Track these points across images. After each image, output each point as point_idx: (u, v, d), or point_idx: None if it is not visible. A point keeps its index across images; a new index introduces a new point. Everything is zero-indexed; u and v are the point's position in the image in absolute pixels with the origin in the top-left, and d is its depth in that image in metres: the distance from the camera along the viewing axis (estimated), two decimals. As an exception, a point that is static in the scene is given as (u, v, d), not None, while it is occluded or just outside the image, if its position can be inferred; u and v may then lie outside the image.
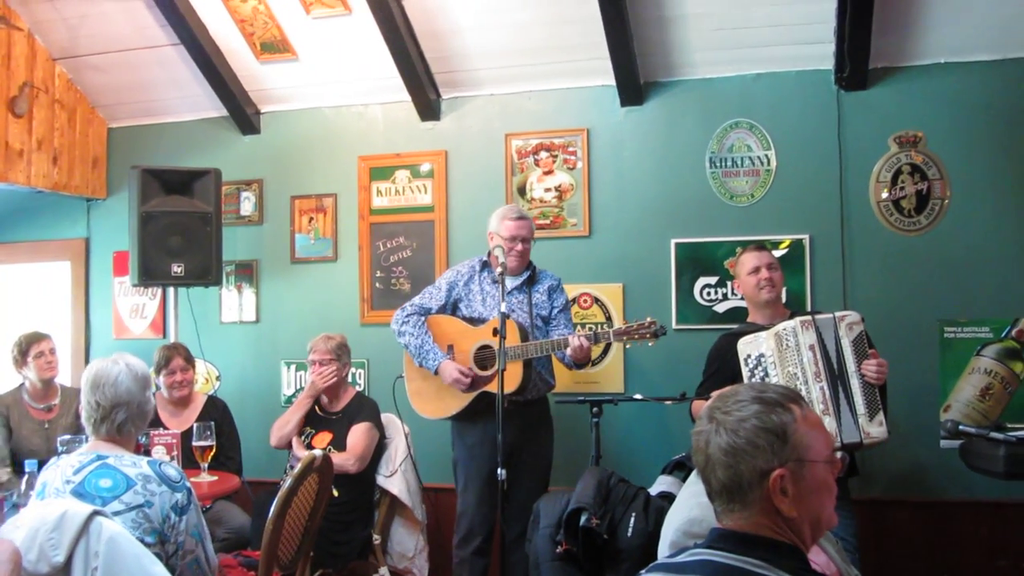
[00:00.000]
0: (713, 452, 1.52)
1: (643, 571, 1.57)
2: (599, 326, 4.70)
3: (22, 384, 4.77)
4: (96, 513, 2.28)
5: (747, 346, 3.38)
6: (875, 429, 3.20)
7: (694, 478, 1.89)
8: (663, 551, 2.20)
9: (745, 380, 3.32)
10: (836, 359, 3.26)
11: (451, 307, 4.07)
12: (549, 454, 4.07)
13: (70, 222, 5.73)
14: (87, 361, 5.61)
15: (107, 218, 5.65)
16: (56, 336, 4.90)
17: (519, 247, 3.94)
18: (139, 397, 2.59)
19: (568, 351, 3.70)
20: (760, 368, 3.33)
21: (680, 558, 1.54)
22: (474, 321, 3.99)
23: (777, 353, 3.29)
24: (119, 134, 5.69)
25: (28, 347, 4.71)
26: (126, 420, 2.56)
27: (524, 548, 3.42)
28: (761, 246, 3.93)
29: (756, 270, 3.66)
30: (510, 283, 3.97)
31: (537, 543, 3.11)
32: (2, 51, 4.92)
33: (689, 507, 2.19)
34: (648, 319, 3.72)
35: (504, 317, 3.46)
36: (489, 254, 4.05)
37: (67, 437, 4.09)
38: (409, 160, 5.09)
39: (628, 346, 4.39)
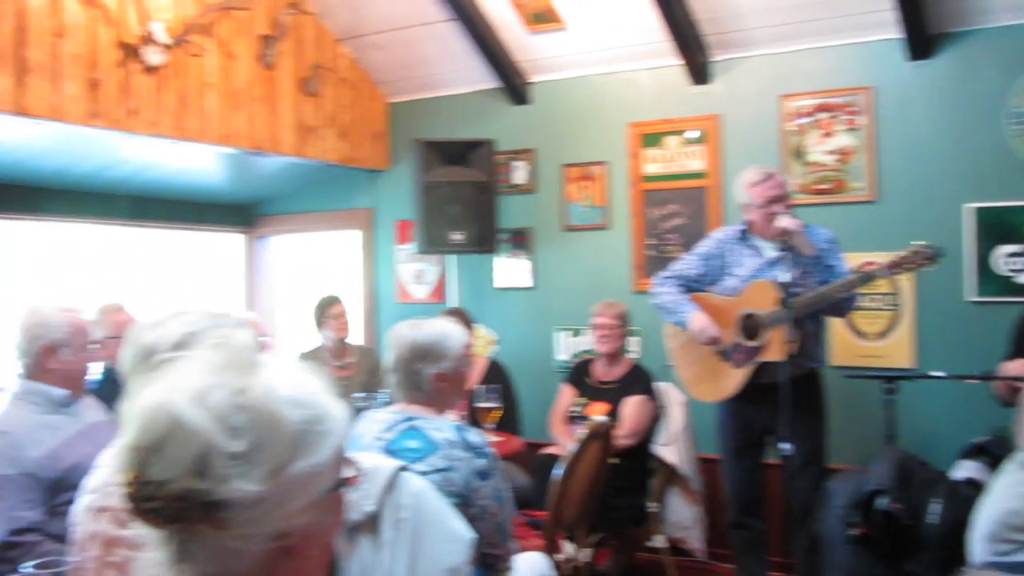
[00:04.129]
0: None
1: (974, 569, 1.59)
2: (885, 297, 4.60)
3: (322, 344, 5.36)
4: (403, 468, 2.46)
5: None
6: None
7: (1014, 467, 1.87)
8: (976, 543, 2.19)
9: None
10: None
11: (711, 277, 4.08)
12: (821, 431, 3.95)
13: (357, 193, 6.29)
14: (375, 324, 6.17)
15: (390, 189, 6.15)
16: (349, 299, 5.46)
17: (778, 208, 3.81)
18: (457, 363, 2.77)
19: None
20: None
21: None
22: (733, 291, 3.98)
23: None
24: (399, 108, 6.15)
25: (325, 309, 5.30)
26: (439, 384, 2.74)
27: (807, 527, 3.46)
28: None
29: None
30: (773, 249, 3.87)
31: (828, 523, 3.14)
32: (294, 35, 5.44)
33: (1007, 497, 2.16)
34: (919, 243, 3.57)
35: (781, 286, 3.48)
36: (748, 222, 4.02)
37: (361, 394, 4.57)
38: (680, 125, 5.16)
39: (906, 279, 4.31)
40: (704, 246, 4.13)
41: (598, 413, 4.42)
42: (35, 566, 1.85)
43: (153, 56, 4.48)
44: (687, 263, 4.12)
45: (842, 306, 3.81)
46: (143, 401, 1.07)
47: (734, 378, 3.92)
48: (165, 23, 4.54)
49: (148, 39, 4.46)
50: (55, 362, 3.04)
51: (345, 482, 1.17)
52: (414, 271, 6.08)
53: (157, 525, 1.06)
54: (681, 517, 4.56)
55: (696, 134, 5.11)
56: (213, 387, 1.07)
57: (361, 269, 6.32)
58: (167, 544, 1.08)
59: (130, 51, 4.43)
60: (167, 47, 4.54)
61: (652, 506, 4.47)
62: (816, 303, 3.69)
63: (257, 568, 1.09)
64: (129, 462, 1.06)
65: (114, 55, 4.38)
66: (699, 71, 5.06)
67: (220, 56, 4.91)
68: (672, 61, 5.10)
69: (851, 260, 4.29)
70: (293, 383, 1.13)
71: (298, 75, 5.45)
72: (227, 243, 6.91)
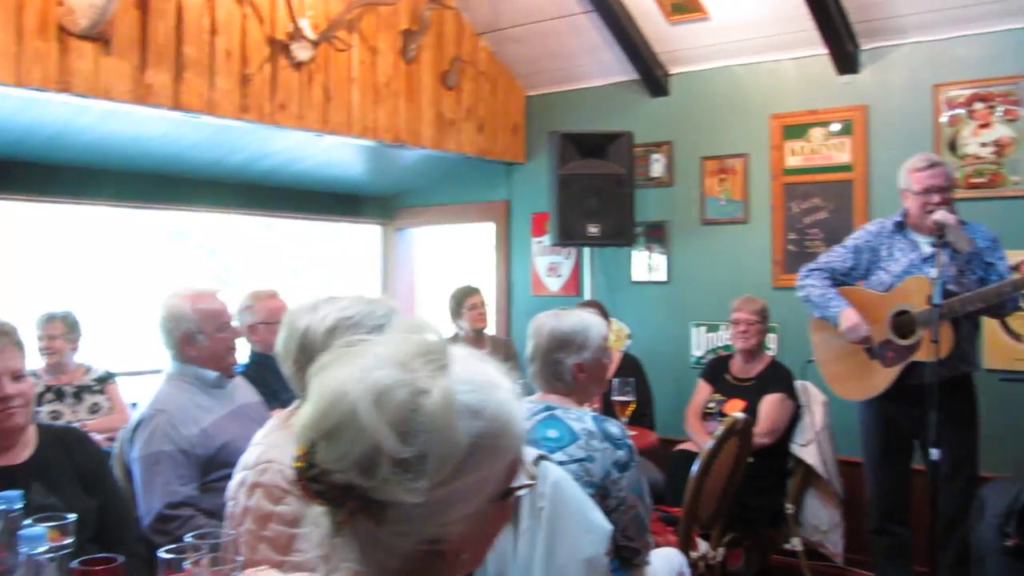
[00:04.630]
0: None
1: None
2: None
3: (456, 334, 5.44)
4: (541, 457, 2.48)
5: None
6: None
7: None
8: None
9: None
10: None
11: (860, 271, 3.95)
12: (972, 437, 3.77)
13: (493, 185, 6.36)
14: (509, 316, 6.23)
15: (526, 181, 6.20)
16: (485, 291, 5.54)
17: (935, 199, 3.65)
18: (597, 354, 2.77)
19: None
20: None
21: None
22: (885, 287, 3.84)
23: None
24: (536, 101, 6.18)
25: (463, 300, 5.38)
26: (579, 374, 2.75)
27: (956, 536, 3.32)
28: None
29: None
30: (930, 244, 3.69)
31: (982, 533, 3.02)
32: (435, 29, 5.54)
33: None
34: None
35: (936, 283, 3.35)
36: (905, 214, 3.87)
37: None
38: (825, 117, 5.02)
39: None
40: (855, 238, 4.00)
41: (735, 410, 4.35)
42: (193, 538, 1.95)
43: (300, 52, 4.64)
44: (836, 255, 4.00)
45: (1003, 307, 3.63)
46: (328, 383, 1.09)
47: (882, 377, 3.78)
48: (312, 19, 4.70)
49: (296, 35, 4.62)
50: (194, 349, 3.20)
51: (514, 491, 1.15)
52: (548, 264, 6.11)
53: (318, 504, 1.09)
54: (819, 520, 4.44)
55: (843, 124, 4.95)
56: (396, 386, 1.06)
57: (495, 261, 6.39)
58: (322, 520, 1.11)
59: (279, 47, 4.60)
60: (314, 43, 4.69)
61: (789, 507, 4.38)
62: (974, 303, 3.53)
63: (406, 564, 1.10)
64: (302, 439, 1.09)
65: (264, 51, 4.55)
66: (846, 60, 4.90)
67: (364, 51, 5.05)
68: (818, 50, 4.96)
69: (1011, 258, 4.09)
70: (478, 388, 1.11)
71: (438, 69, 5.54)
72: (365, 234, 7.11)
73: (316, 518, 1.12)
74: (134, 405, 3.68)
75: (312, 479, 1.06)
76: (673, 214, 5.58)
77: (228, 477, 3.08)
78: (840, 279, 3.96)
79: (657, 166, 5.63)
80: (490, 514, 1.13)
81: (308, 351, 2.03)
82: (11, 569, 1.89)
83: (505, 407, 1.12)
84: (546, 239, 5.85)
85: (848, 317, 3.80)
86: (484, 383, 1.12)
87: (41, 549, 1.70)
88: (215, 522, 2.79)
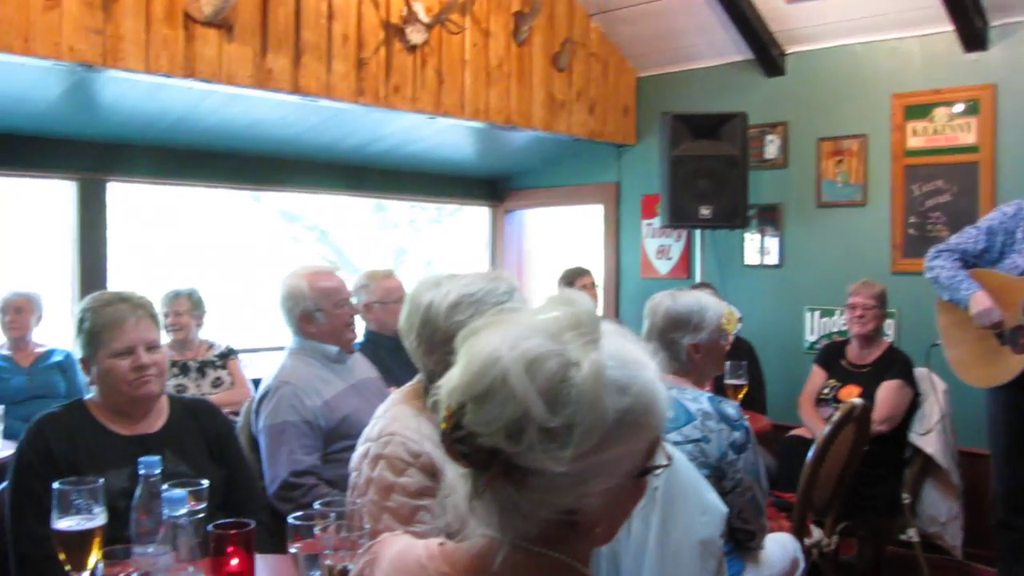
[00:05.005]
0: None
1: None
2: None
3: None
4: None
5: None
6: None
7: None
8: None
9: None
10: None
11: (994, 253, 3.80)
12: None
13: (603, 167, 6.35)
14: (617, 298, 6.23)
15: (636, 163, 6.17)
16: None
17: None
18: (713, 335, 2.75)
19: None
20: None
21: None
22: (1020, 271, 3.68)
23: None
24: (647, 82, 6.14)
25: (573, 280, 5.39)
26: (694, 355, 2.74)
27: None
28: None
29: None
30: None
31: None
32: (547, 11, 5.54)
33: None
34: None
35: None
36: None
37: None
38: (949, 96, 4.84)
39: None
40: (990, 219, 3.85)
41: (850, 397, 4.27)
42: (295, 518, 2.02)
43: (414, 35, 4.72)
44: (968, 236, 3.85)
45: None
46: (480, 348, 1.12)
47: (1013, 364, 3.65)
48: (425, 3, 4.76)
49: (410, 19, 4.69)
50: (313, 326, 3.32)
51: (651, 470, 1.16)
52: (657, 246, 6.08)
53: (461, 465, 1.12)
54: (937, 511, 4.32)
55: (969, 104, 4.78)
56: (547, 356, 1.08)
57: (604, 244, 6.38)
58: (467, 481, 1.14)
59: (393, 31, 4.68)
60: (427, 26, 4.76)
61: (905, 497, 4.27)
62: None
63: (542, 531, 1.12)
64: (451, 401, 1.12)
65: (379, 35, 4.64)
66: (974, 37, 4.72)
67: (476, 33, 5.09)
68: (944, 27, 4.79)
69: None
70: (626, 364, 1.12)
71: (549, 50, 5.56)
72: (474, 217, 7.19)
73: (457, 482, 1.16)
74: (256, 381, 3.83)
75: (458, 440, 1.10)
76: (787, 196, 5.48)
77: (349, 449, 3.18)
78: (971, 261, 3.83)
79: (771, 147, 5.53)
80: (626, 490, 1.15)
81: (430, 327, 2.08)
82: (150, 531, 2.00)
83: (651, 386, 1.13)
84: (656, 221, 5.82)
85: (979, 300, 3.68)
86: (632, 360, 1.13)
87: (182, 512, 1.80)
88: (337, 492, 2.90)
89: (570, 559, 1.15)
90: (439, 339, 2.07)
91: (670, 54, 5.90)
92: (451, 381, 1.13)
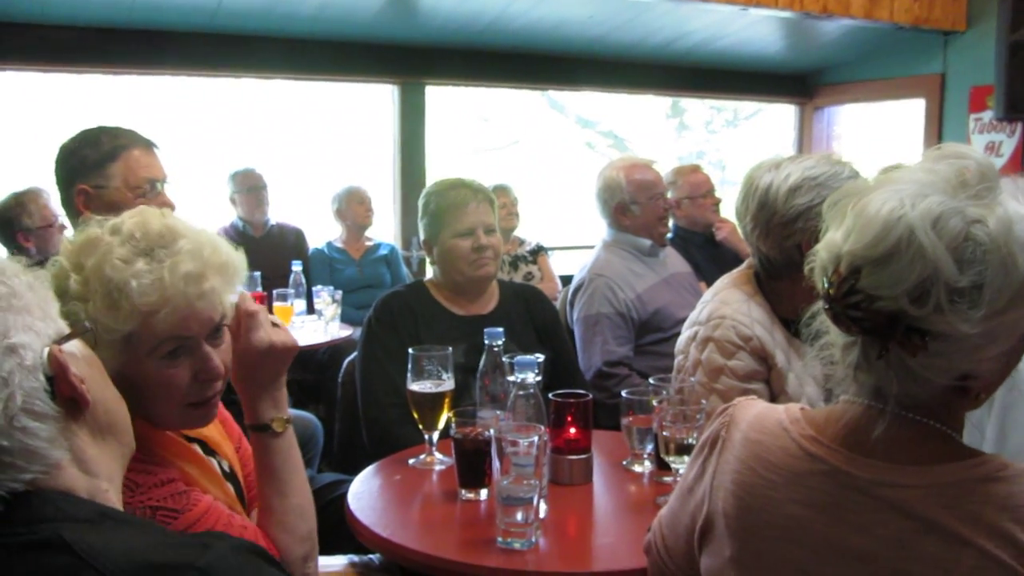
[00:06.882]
0: None
1: None
2: None
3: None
4: None
5: None
6: None
7: None
8: None
9: None
10: None
11: None
12: None
13: (927, 58, 5.88)
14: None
15: (965, 52, 5.67)
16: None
17: None
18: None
19: None
20: None
21: None
22: None
23: None
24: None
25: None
26: None
27: None
28: None
29: None
30: None
31: None
32: None
33: None
34: None
35: None
36: None
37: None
38: None
39: None
40: None
41: None
42: (628, 392, 2.10)
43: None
44: None
45: None
46: (874, 208, 1.07)
47: None
48: None
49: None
50: (627, 219, 3.38)
51: None
52: (986, 142, 5.61)
53: (849, 332, 1.10)
54: None
55: None
56: (949, 214, 1.04)
57: (923, 141, 5.97)
58: (849, 350, 1.13)
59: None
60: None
61: None
62: None
63: (931, 399, 1.10)
64: (841, 265, 1.09)
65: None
66: None
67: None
68: None
69: None
70: None
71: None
72: (780, 114, 6.95)
73: (834, 349, 1.15)
74: (569, 277, 3.98)
75: (851, 305, 1.07)
76: None
77: (661, 341, 3.27)
78: None
79: None
80: (1016, 353, 1.11)
81: (768, 210, 2.06)
82: (493, 397, 2.17)
83: None
84: (986, 115, 5.36)
85: None
86: None
87: (531, 375, 1.93)
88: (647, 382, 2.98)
89: (949, 429, 1.12)
90: (776, 223, 2.06)
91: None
92: (836, 245, 1.10)
